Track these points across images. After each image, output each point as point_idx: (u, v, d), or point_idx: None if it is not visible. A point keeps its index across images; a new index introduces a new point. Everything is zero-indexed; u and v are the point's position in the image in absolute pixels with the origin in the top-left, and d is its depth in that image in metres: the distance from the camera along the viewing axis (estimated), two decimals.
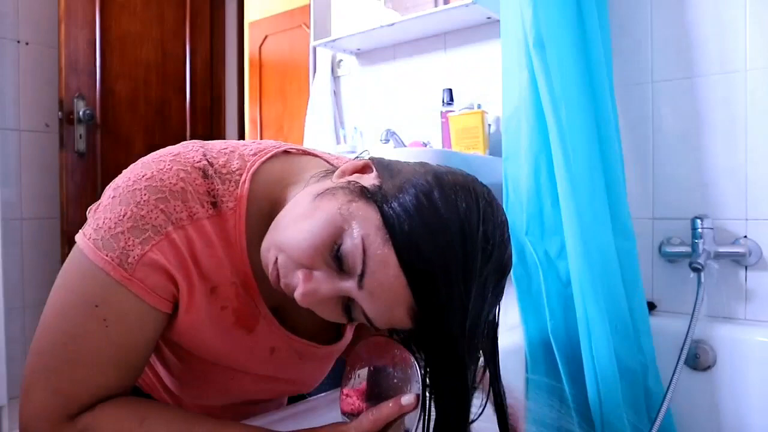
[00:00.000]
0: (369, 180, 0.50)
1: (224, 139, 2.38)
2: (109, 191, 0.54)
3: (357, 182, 0.50)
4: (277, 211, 0.55)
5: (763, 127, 1.17)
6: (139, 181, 0.52)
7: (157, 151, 0.56)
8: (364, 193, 0.48)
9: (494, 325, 0.52)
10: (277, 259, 0.50)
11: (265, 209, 0.56)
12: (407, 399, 0.48)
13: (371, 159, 0.54)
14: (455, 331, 0.46)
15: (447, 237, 0.45)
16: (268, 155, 0.58)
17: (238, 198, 0.54)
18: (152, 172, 0.52)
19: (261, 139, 3.25)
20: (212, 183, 0.53)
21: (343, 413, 0.55)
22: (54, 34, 1.80)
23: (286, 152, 0.61)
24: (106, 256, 0.50)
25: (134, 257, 0.50)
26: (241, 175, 0.55)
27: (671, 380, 1.09)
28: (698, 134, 1.24)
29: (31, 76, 1.82)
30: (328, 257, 0.47)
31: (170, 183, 0.52)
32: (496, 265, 0.48)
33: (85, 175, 1.86)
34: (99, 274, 0.50)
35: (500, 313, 0.52)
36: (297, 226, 0.49)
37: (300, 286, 0.49)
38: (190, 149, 0.55)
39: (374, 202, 0.47)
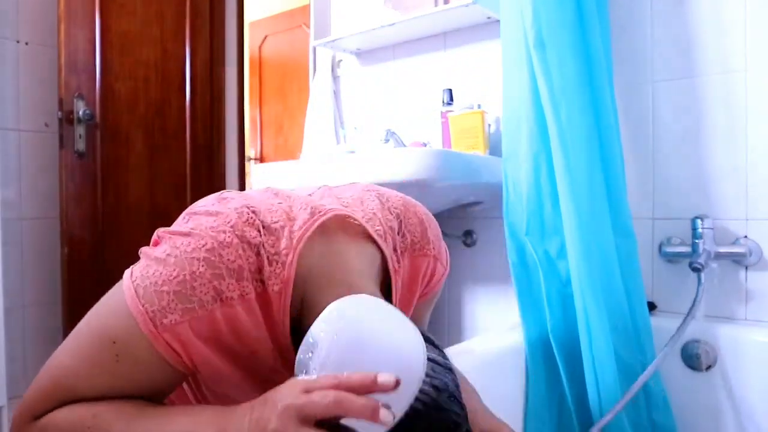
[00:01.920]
0: None
1: (224, 139, 2.35)
2: (166, 243, 0.54)
3: None
4: (311, 295, 0.56)
5: (763, 127, 1.17)
6: (199, 250, 0.52)
7: (212, 210, 0.56)
8: None
9: None
10: None
11: (302, 292, 0.56)
12: (386, 378, 0.41)
13: None
14: None
15: None
16: (311, 230, 0.57)
17: (284, 281, 0.54)
18: (213, 244, 0.52)
19: (261, 138, 3.23)
20: (263, 262, 0.54)
21: None
22: (54, 33, 1.79)
23: (322, 225, 0.59)
24: (143, 306, 0.51)
25: (169, 322, 0.50)
26: (287, 255, 0.55)
27: (657, 357, 1.07)
28: (698, 134, 1.24)
29: (30, 76, 1.82)
30: None
31: (228, 260, 0.52)
32: None
33: (85, 174, 1.85)
34: (128, 319, 0.51)
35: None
36: None
37: None
38: (245, 221, 0.55)
39: None
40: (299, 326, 0.56)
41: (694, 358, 1.18)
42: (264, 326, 0.55)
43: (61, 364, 0.54)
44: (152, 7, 2.04)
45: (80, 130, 1.83)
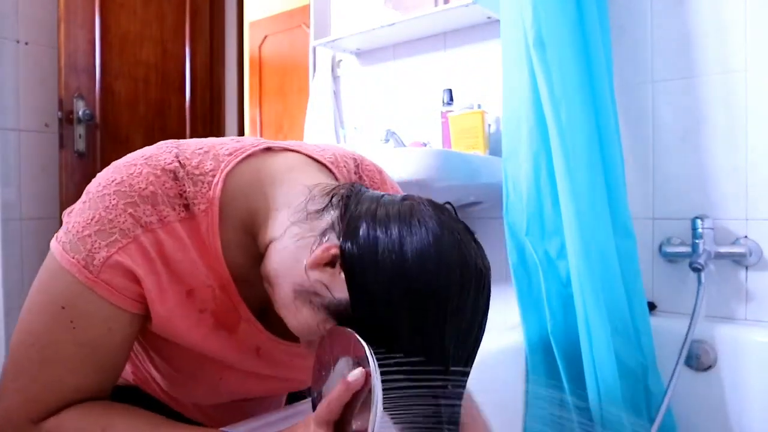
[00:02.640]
0: (339, 289, 0.48)
1: None
2: (82, 196, 0.54)
3: (328, 298, 0.48)
4: (258, 221, 0.55)
5: (763, 127, 1.17)
6: (109, 186, 0.52)
7: (131, 153, 0.55)
8: (335, 315, 0.49)
9: None
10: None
11: (242, 213, 0.55)
12: (353, 375, 0.45)
13: (342, 247, 0.48)
14: None
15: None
16: (245, 155, 0.57)
17: (210, 200, 0.53)
18: (122, 177, 0.52)
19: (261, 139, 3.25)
20: (183, 185, 0.53)
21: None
22: (54, 33, 1.79)
23: (265, 150, 0.59)
24: (73, 258, 0.50)
25: (100, 259, 0.50)
26: (214, 176, 0.54)
27: (671, 380, 1.09)
28: (698, 134, 1.24)
29: (30, 76, 1.82)
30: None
31: (139, 188, 0.51)
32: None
33: (85, 175, 1.85)
34: (66, 276, 0.51)
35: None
36: (287, 314, 0.52)
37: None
38: (163, 151, 0.55)
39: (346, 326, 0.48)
40: (258, 242, 0.55)
41: (694, 358, 1.18)
42: (195, 253, 0.53)
43: (28, 358, 0.52)
44: (152, 7, 2.04)
45: (80, 130, 1.83)
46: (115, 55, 1.93)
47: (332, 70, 1.82)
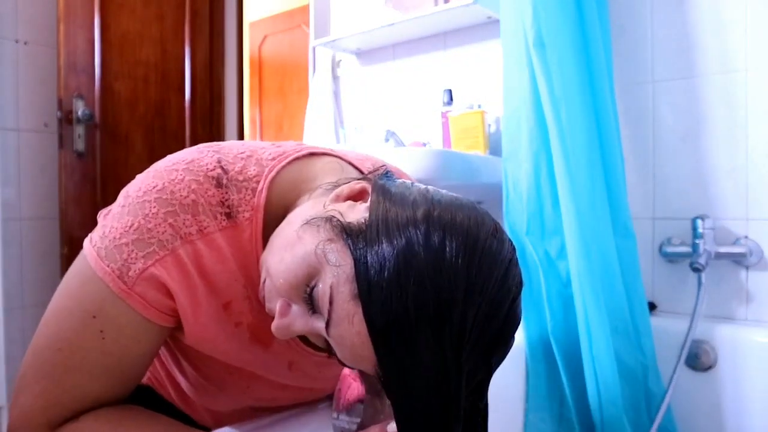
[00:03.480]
0: (358, 213, 0.45)
1: (223, 139, 2.36)
2: (119, 198, 0.52)
3: (340, 218, 0.45)
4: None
5: (763, 127, 1.17)
6: (150, 192, 0.50)
7: (171, 157, 0.54)
8: (345, 233, 0.43)
9: (480, 404, 0.47)
10: (264, 280, 0.49)
11: (279, 217, 0.52)
12: (393, 427, 0.45)
13: (375, 182, 0.48)
14: (420, 404, 0.41)
15: (420, 304, 0.39)
16: (288, 159, 0.55)
17: (254, 207, 0.51)
18: (163, 183, 0.50)
19: (260, 138, 3.23)
20: (227, 192, 0.51)
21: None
22: (53, 33, 1.79)
23: (308, 155, 0.58)
24: (108, 266, 0.49)
25: (135, 271, 0.49)
26: (258, 182, 0.52)
27: (671, 380, 1.09)
28: (698, 134, 1.24)
29: (30, 76, 1.82)
30: (303, 294, 0.45)
31: (181, 195, 0.50)
32: (483, 339, 0.42)
33: (85, 175, 1.85)
34: (99, 284, 0.50)
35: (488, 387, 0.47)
36: (280, 255, 0.47)
37: (275, 318, 0.47)
38: (204, 155, 0.53)
39: (351, 247, 0.42)
40: None
41: (694, 358, 1.18)
42: (234, 263, 0.52)
43: (52, 363, 0.52)
44: (152, 7, 2.04)
45: (80, 130, 1.82)
46: (115, 55, 1.93)
47: (332, 70, 1.82)
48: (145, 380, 0.70)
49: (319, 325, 0.44)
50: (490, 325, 0.42)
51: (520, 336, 1.16)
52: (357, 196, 0.48)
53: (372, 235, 0.42)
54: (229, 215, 0.51)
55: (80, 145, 1.83)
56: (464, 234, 0.42)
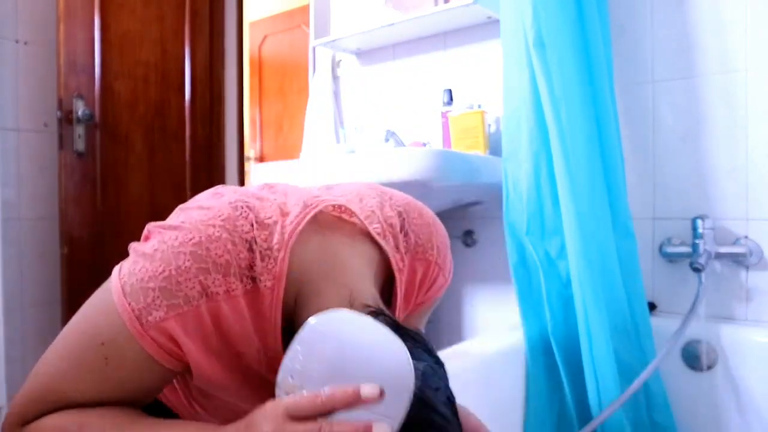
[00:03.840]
0: None
1: (224, 139, 2.34)
2: (155, 237, 0.53)
3: None
4: (306, 296, 0.55)
5: (763, 127, 1.17)
6: (186, 245, 0.51)
7: (206, 206, 0.55)
8: None
9: None
10: None
11: (295, 293, 0.55)
12: (370, 391, 0.41)
13: None
14: None
15: None
16: (303, 224, 0.56)
17: (276, 277, 0.53)
18: (200, 238, 0.51)
19: (260, 138, 3.23)
20: (254, 258, 0.52)
21: None
22: (53, 33, 1.79)
23: (318, 215, 0.59)
24: (129, 305, 0.50)
25: (155, 318, 0.50)
26: (279, 250, 0.53)
27: (657, 357, 1.07)
28: (698, 134, 1.24)
29: (30, 76, 1.82)
30: None
31: (216, 254, 0.51)
32: None
33: (84, 175, 1.85)
34: (116, 318, 0.50)
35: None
36: None
37: None
38: (240, 213, 0.54)
39: None
40: (292, 326, 0.56)
41: (694, 359, 1.18)
42: (251, 325, 0.53)
43: (50, 368, 0.53)
44: (152, 7, 2.04)
45: (80, 130, 1.82)
46: (115, 55, 1.93)
47: (332, 70, 1.82)
48: None
49: None
50: None
51: (520, 336, 1.16)
52: None
53: None
54: (254, 279, 0.52)
55: (80, 145, 1.83)
56: None
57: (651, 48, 1.29)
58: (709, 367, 1.17)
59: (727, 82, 1.20)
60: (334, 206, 0.62)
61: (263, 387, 0.58)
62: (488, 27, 1.48)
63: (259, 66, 3.09)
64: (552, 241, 1.13)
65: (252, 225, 0.54)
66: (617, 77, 1.24)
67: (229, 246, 0.51)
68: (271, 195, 0.60)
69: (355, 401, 0.41)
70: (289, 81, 2.93)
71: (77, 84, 1.82)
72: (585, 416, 1.10)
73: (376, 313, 0.52)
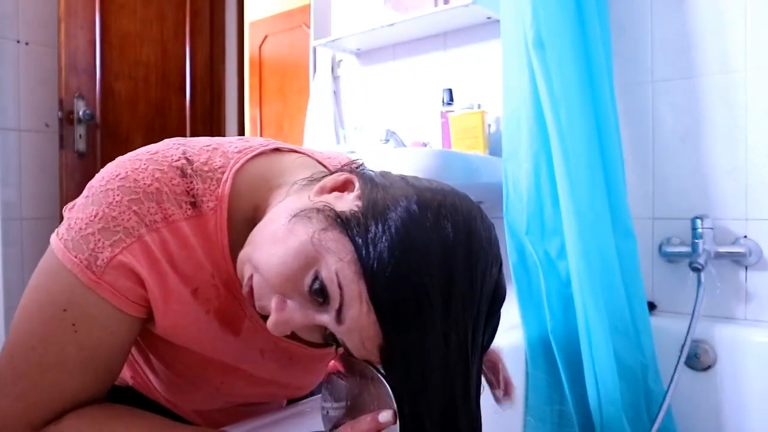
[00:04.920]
0: (347, 203, 0.47)
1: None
2: (84, 191, 0.52)
3: (332, 207, 0.46)
4: (260, 214, 0.53)
5: (763, 127, 1.17)
6: (113, 181, 0.50)
7: (136, 150, 0.54)
8: (339, 220, 0.44)
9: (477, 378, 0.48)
10: (252, 276, 0.48)
11: (248, 211, 0.54)
12: (385, 416, 0.44)
13: (355, 172, 0.50)
14: (421, 383, 0.43)
15: (424, 278, 0.42)
16: (254, 153, 0.56)
17: (219, 197, 0.52)
18: (126, 172, 0.50)
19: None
20: (191, 182, 0.51)
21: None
22: (54, 33, 1.80)
23: (274, 150, 0.59)
24: (75, 257, 0.49)
25: (103, 259, 0.48)
26: (223, 173, 0.53)
27: (671, 380, 1.09)
28: (698, 134, 1.24)
29: (31, 76, 1.82)
30: (301, 288, 0.45)
31: (144, 184, 0.50)
32: (484, 308, 0.45)
33: (85, 175, 1.85)
34: (68, 275, 0.49)
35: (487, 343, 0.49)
36: (271, 249, 0.47)
37: (272, 315, 0.47)
38: (170, 147, 0.53)
39: (349, 233, 0.43)
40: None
41: (694, 358, 1.18)
42: (200, 249, 0.52)
43: (28, 362, 0.51)
44: (152, 7, 2.04)
45: (80, 130, 1.83)
46: (116, 55, 1.93)
47: (332, 70, 1.82)
48: (130, 382, 0.70)
49: (322, 317, 0.45)
50: (490, 288, 0.46)
51: (519, 335, 1.16)
52: (341, 187, 0.49)
53: (368, 219, 0.44)
54: (194, 204, 0.51)
55: (81, 145, 1.83)
56: (454, 206, 0.46)
57: (651, 48, 1.29)
58: (709, 367, 1.17)
59: (727, 82, 1.20)
60: (289, 147, 0.62)
61: (228, 330, 0.57)
62: (488, 27, 1.48)
63: (259, 66, 3.09)
64: (552, 241, 1.13)
65: (183, 153, 0.53)
66: (617, 77, 1.24)
67: (157, 174, 0.50)
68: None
69: (377, 429, 0.44)
70: (289, 81, 2.93)
71: (78, 84, 1.83)
72: (585, 416, 1.11)
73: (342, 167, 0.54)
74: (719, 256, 1.19)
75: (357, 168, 0.53)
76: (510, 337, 1.18)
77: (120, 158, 0.53)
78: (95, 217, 0.49)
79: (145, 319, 0.54)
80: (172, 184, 0.51)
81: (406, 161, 1.15)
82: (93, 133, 1.87)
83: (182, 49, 2.15)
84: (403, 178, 0.49)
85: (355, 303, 0.43)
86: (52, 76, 1.81)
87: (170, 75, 2.11)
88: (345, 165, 0.56)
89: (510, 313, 1.29)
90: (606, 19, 1.21)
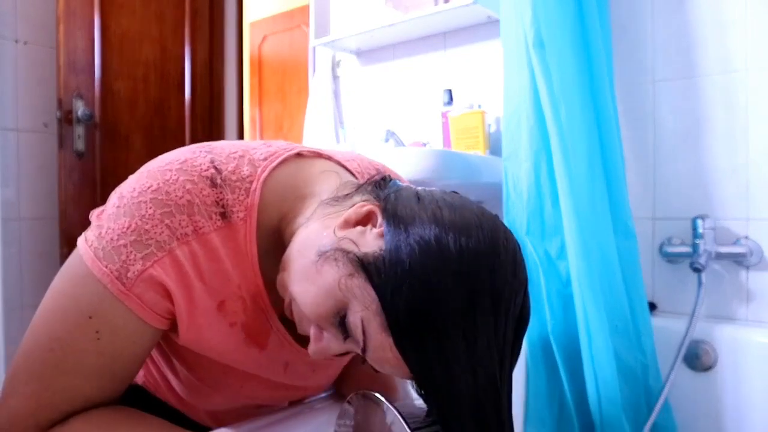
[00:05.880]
0: (371, 242, 0.47)
1: (224, 139, 2.36)
2: (113, 198, 0.52)
3: (356, 250, 0.47)
4: (285, 225, 0.54)
5: (763, 127, 1.17)
6: (145, 193, 0.50)
7: (164, 157, 0.54)
8: (363, 267, 0.46)
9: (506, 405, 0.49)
10: (291, 303, 0.51)
11: (274, 220, 0.55)
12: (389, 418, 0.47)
13: (382, 206, 0.49)
14: (454, 413, 0.45)
15: (448, 325, 0.43)
16: (279, 159, 0.56)
17: (248, 207, 0.52)
18: (158, 184, 0.51)
19: (260, 138, 3.23)
20: (221, 192, 0.52)
21: None
22: (53, 33, 1.79)
23: (298, 155, 0.59)
24: (106, 267, 0.49)
25: (134, 272, 0.49)
26: (251, 182, 0.53)
27: (668, 376, 1.09)
28: (698, 134, 1.24)
29: (29, 76, 1.81)
30: (333, 323, 0.48)
31: (176, 196, 0.50)
32: (510, 336, 0.46)
33: (84, 175, 1.85)
34: (96, 284, 0.49)
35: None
36: (304, 285, 0.49)
37: (312, 343, 0.50)
38: (197, 155, 0.53)
39: (373, 282, 0.45)
40: (276, 252, 0.54)
41: (694, 359, 1.18)
42: (228, 262, 0.52)
43: (45, 363, 0.51)
44: (152, 7, 2.04)
45: (79, 130, 1.82)
46: (115, 55, 1.93)
47: (332, 70, 1.82)
48: (140, 381, 0.70)
49: (354, 347, 0.49)
50: (515, 317, 0.46)
51: None
52: (365, 220, 0.50)
53: (391, 266, 0.45)
54: (223, 215, 0.52)
55: (80, 145, 1.83)
56: (478, 241, 0.45)
57: (651, 48, 1.29)
58: (709, 367, 1.17)
59: (727, 82, 1.20)
60: (311, 150, 0.62)
61: (251, 343, 0.57)
62: (488, 27, 1.48)
63: (259, 66, 3.09)
64: (552, 241, 1.13)
65: (211, 162, 0.53)
66: (617, 77, 1.24)
67: (189, 186, 0.51)
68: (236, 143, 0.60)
69: None
70: (289, 81, 2.93)
71: (77, 84, 1.82)
72: (585, 416, 1.10)
73: (371, 178, 0.55)
74: (720, 256, 1.18)
75: (383, 183, 0.53)
76: None
77: (149, 167, 0.53)
78: (128, 228, 0.49)
79: (168, 329, 0.54)
80: (203, 195, 0.51)
81: (406, 161, 1.15)
82: (92, 133, 1.87)
83: (182, 49, 2.15)
84: (430, 201, 0.48)
85: (378, 350, 0.46)
86: (50, 76, 1.81)
87: (170, 75, 2.11)
88: (369, 179, 0.56)
89: None
90: (606, 19, 1.21)
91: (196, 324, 0.53)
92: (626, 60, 1.30)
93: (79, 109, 1.80)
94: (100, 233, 0.50)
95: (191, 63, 2.17)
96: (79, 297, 0.51)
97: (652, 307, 1.26)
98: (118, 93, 1.95)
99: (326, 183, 0.57)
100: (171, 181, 0.51)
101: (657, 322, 1.19)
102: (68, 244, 1.78)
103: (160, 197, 0.50)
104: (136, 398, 0.61)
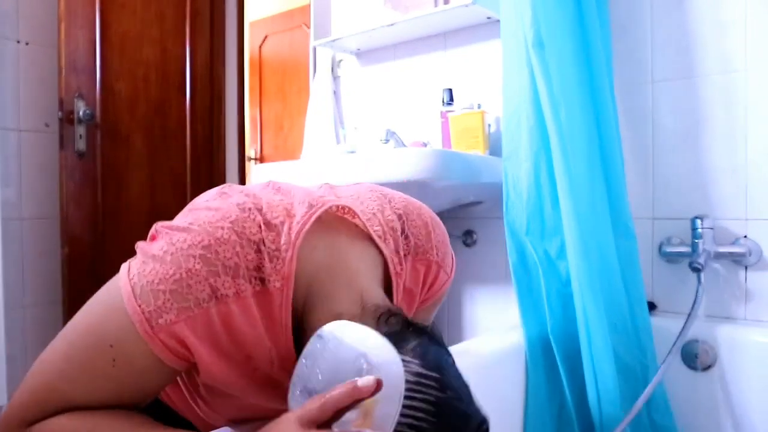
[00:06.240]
0: None
1: (223, 138, 2.35)
2: (163, 239, 0.53)
3: None
4: (309, 308, 0.56)
5: (763, 127, 1.17)
6: (195, 247, 0.51)
7: (213, 206, 0.55)
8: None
9: None
10: None
11: (302, 289, 0.56)
12: (367, 380, 0.44)
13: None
14: None
15: None
16: (309, 223, 0.57)
17: (285, 277, 0.54)
18: (210, 241, 0.52)
19: (261, 139, 3.23)
20: (263, 259, 0.53)
21: None
22: (54, 33, 1.79)
23: (323, 215, 0.60)
24: (140, 306, 0.50)
25: (166, 320, 0.50)
26: (287, 251, 0.54)
27: (662, 365, 1.08)
28: (698, 134, 1.24)
29: (30, 76, 1.82)
30: None
31: (224, 257, 0.51)
32: None
33: (85, 174, 1.85)
34: (125, 318, 0.51)
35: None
36: None
37: None
38: (248, 215, 0.55)
39: None
40: (301, 325, 0.56)
41: (693, 358, 1.18)
42: (261, 326, 0.54)
43: (54, 369, 0.53)
44: (152, 7, 2.04)
45: (80, 130, 1.83)
46: (116, 55, 1.93)
47: (332, 70, 1.82)
48: None
49: None
50: None
51: (519, 335, 1.16)
52: None
53: None
54: (262, 281, 0.53)
55: (81, 145, 1.83)
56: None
57: (651, 48, 1.29)
58: (708, 367, 1.17)
59: (727, 82, 1.20)
60: (338, 207, 0.63)
61: (270, 385, 0.58)
62: (488, 27, 1.49)
63: (259, 66, 3.09)
64: (552, 241, 1.13)
65: (260, 227, 0.54)
66: (617, 77, 1.24)
67: (238, 248, 0.52)
68: (276, 196, 0.60)
69: (356, 394, 0.43)
70: (289, 81, 2.93)
71: (78, 84, 1.82)
72: (585, 416, 1.11)
73: (389, 313, 0.53)
74: (719, 256, 1.19)
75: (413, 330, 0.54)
76: (510, 337, 1.18)
77: (200, 219, 0.54)
78: (171, 276, 0.50)
79: (188, 370, 0.56)
80: (247, 260, 0.53)
81: (406, 161, 1.15)
82: (93, 133, 1.87)
83: (182, 49, 2.15)
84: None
85: None
86: (52, 76, 1.81)
87: (170, 75, 2.11)
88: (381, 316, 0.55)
89: (510, 313, 1.29)
90: (606, 19, 1.21)
91: (217, 368, 0.54)
92: (626, 60, 1.31)
93: (80, 109, 1.81)
94: (143, 270, 0.52)
95: (191, 63, 2.17)
96: (107, 324, 0.52)
97: (652, 306, 1.27)
98: (119, 93, 1.95)
99: (344, 291, 0.57)
100: (222, 239, 0.52)
101: (656, 321, 1.19)
102: (69, 244, 1.79)
103: (209, 255, 0.51)
104: None
